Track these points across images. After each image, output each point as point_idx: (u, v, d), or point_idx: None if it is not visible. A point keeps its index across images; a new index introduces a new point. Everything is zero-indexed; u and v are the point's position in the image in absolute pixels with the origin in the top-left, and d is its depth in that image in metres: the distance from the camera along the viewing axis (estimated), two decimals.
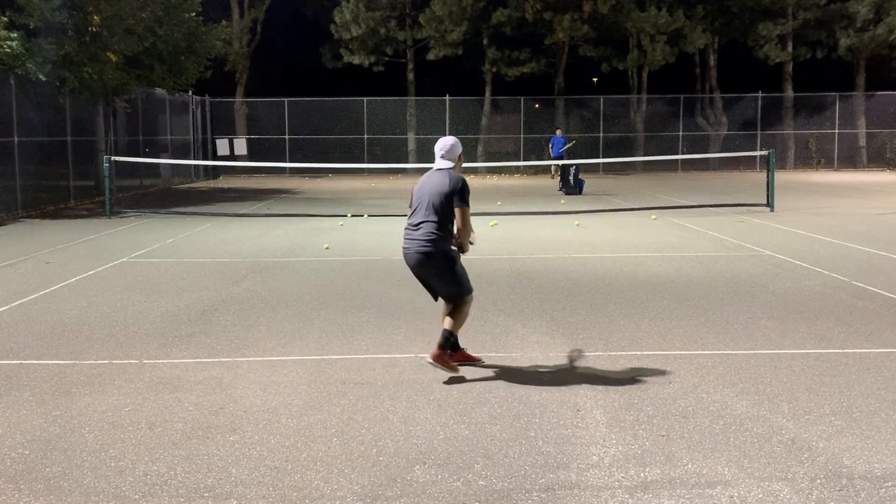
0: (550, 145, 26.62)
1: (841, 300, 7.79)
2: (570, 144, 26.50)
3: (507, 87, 35.32)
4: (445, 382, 5.32)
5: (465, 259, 9.81)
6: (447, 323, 5.41)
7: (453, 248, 5.43)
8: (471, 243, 5.56)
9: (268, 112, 34.00)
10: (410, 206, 5.50)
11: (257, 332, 6.65)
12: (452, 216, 5.33)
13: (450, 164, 5.45)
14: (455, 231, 5.40)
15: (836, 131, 34.26)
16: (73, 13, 16.62)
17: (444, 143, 5.49)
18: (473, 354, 5.75)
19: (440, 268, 5.35)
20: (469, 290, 5.49)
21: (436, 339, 5.45)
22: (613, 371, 5.55)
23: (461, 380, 5.39)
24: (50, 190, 18.67)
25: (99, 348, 6.25)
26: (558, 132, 27.28)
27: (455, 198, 5.31)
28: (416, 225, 5.34)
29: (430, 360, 5.28)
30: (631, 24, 32.51)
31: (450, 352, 5.44)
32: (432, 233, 5.28)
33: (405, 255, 5.41)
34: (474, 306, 7.65)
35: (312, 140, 32.72)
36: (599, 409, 4.79)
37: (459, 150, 5.52)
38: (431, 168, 5.53)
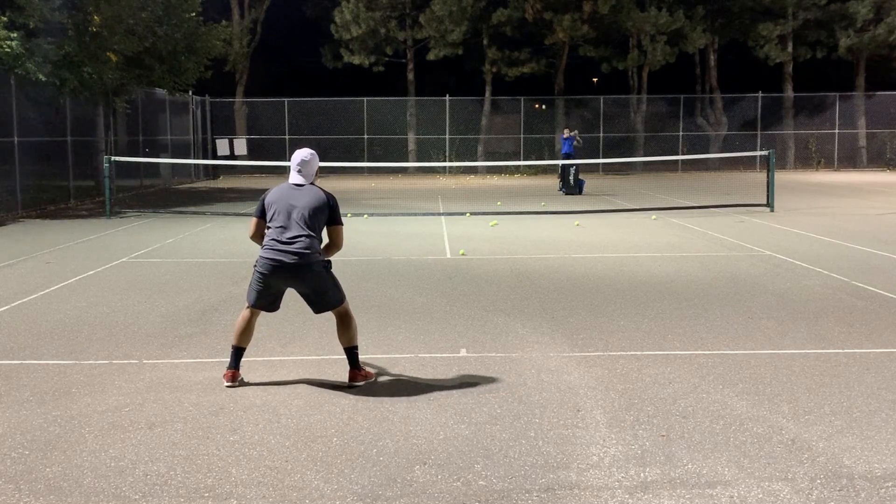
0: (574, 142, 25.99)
1: (841, 300, 7.79)
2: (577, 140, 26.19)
3: (507, 87, 35.33)
4: (449, 385, 5.32)
5: (466, 261, 9.80)
6: (344, 340, 5.33)
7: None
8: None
9: (268, 112, 34.01)
10: (266, 218, 5.29)
11: (257, 332, 6.61)
12: (322, 229, 5.28)
13: (306, 181, 5.30)
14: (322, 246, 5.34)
15: (836, 131, 34.27)
16: (73, 13, 16.62)
17: (303, 156, 5.34)
18: (240, 374, 5.36)
19: (322, 277, 5.22)
20: (345, 296, 5.43)
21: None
22: (613, 371, 5.55)
23: (461, 380, 5.39)
24: (50, 190, 18.69)
25: (99, 348, 6.25)
26: (566, 131, 27.04)
27: (334, 216, 5.28)
28: (292, 239, 5.13)
29: (353, 384, 5.25)
30: (631, 24, 32.52)
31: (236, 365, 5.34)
32: (311, 246, 5.13)
33: (274, 267, 5.13)
34: (475, 306, 7.68)
35: (312, 140, 32.68)
36: (599, 409, 4.79)
37: (317, 164, 5.39)
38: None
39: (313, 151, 5.41)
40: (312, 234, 5.16)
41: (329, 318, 7.20)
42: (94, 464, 4.06)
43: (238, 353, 5.32)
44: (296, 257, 5.10)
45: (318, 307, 5.35)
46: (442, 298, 8.02)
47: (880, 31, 31.89)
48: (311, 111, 33.42)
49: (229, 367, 5.30)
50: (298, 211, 5.16)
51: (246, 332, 5.32)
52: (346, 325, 5.33)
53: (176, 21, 19.98)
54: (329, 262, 5.29)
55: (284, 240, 5.14)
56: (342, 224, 5.37)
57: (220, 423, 4.62)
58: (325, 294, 5.27)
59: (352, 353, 5.31)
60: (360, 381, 5.31)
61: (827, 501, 3.62)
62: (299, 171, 5.30)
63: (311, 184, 5.31)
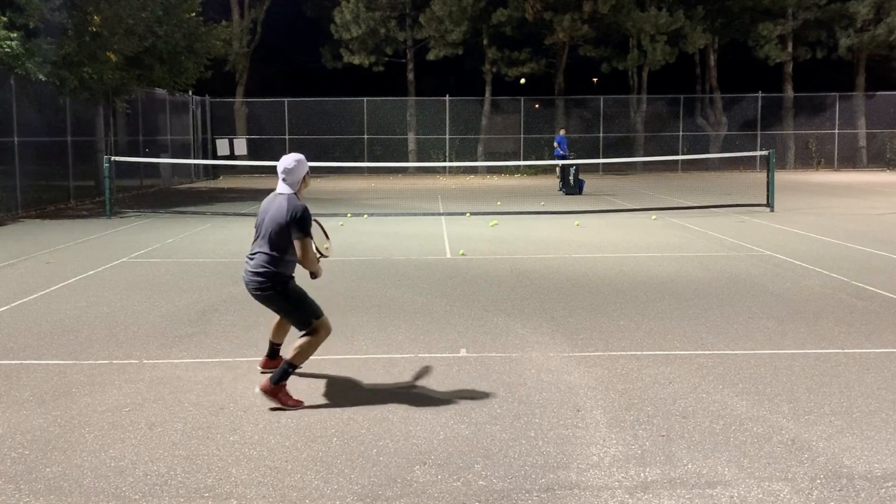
0: (556, 144, 26.36)
1: (841, 300, 7.79)
2: (571, 154, 26.38)
3: (507, 87, 35.33)
4: (449, 385, 5.32)
5: (466, 261, 9.71)
6: (290, 352, 4.94)
7: (291, 276, 5.07)
8: (324, 255, 5.26)
9: (268, 112, 34.01)
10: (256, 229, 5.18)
11: (257, 332, 6.65)
12: (290, 245, 4.95)
13: (289, 190, 5.03)
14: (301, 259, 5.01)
15: (836, 131, 34.27)
16: (73, 13, 16.62)
17: (286, 163, 5.05)
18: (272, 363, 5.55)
19: (274, 299, 5.01)
20: (317, 315, 5.02)
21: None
22: (613, 371, 5.55)
23: (461, 380, 5.38)
24: (50, 190, 18.68)
25: (99, 348, 6.25)
26: (562, 132, 27.20)
27: (293, 228, 4.89)
28: (253, 254, 5.05)
29: (263, 393, 4.88)
30: (631, 24, 32.51)
31: (274, 369, 5.27)
32: (264, 265, 4.95)
33: (244, 281, 5.12)
34: (475, 306, 7.68)
35: (312, 140, 32.72)
36: (599, 409, 4.79)
37: (303, 171, 5.08)
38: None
39: (300, 157, 5.12)
40: (268, 251, 4.95)
41: (330, 315, 7.18)
42: (94, 464, 4.07)
43: (270, 346, 5.55)
44: (249, 275, 5.03)
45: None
46: (442, 298, 8.02)
47: (880, 31, 31.88)
48: (311, 111, 33.42)
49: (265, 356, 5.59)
50: (265, 224, 5.01)
51: (274, 329, 5.51)
52: (305, 343, 4.96)
53: (176, 21, 19.98)
54: (283, 283, 4.99)
55: (248, 254, 5.11)
56: (306, 236, 4.92)
57: (220, 423, 4.62)
58: (286, 318, 5.17)
59: (285, 367, 4.91)
60: (272, 400, 4.86)
61: (827, 501, 3.62)
62: (283, 180, 5.06)
63: (295, 193, 5.03)
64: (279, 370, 4.91)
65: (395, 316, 7.26)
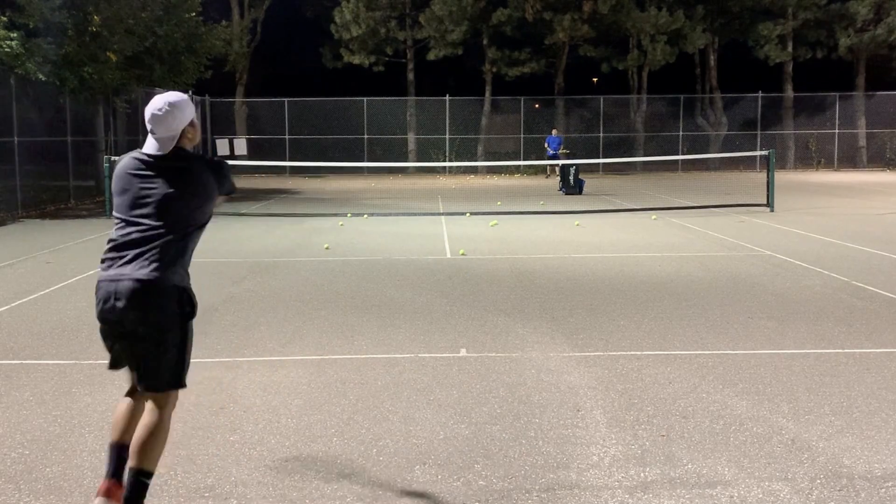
0: (546, 144, 26.65)
1: (841, 300, 7.79)
2: (565, 151, 26.53)
3: (507, 87, 35.35)
4: (449, 385, 5.32)
5: (466, 261, 9.72)
6: (137, 455, 3.18)
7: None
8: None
9: (268, 112, 34.03)
10: (114, 214, 3.31)
11: (257, 332, 6.65)
12: (197, 234, 3.39)
13: (157, 149, 3.26)
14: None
15: (836, 131, 34.28)
16: (73, 13, 16.62)
17: (155, 108, 3.23)
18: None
19: (164, 328, 3.25)
20: (184, 383, 3.36)
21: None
22: (613, 371, 5.55)
23: (461, 380, 5.38)
24: (50, 190, 18.69)
25: (99, 348, 6.20)
26: (554, 132, 27.32)
27: (219, 190, 3.37)
28: (123, 249, 3.21)
29: None
30: (631, 24, 32.54)
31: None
32: (156, 268, 3.19)
33: (102, 296, 3.22)
34: (475, 306, 7.68)
35: (312, 140, 32.71)
36: (599, 409, 4.79)
37: (183, 119, 3.27)
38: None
39: (179, 99, 3.30)
40: (167, 243, 3.28)
41: (329, 318, 7.21)
42: (94, 464, 4.06)
43: (114, 454, 3.33)
44: (127, 283, 3.21)
45: (123, 362, 3.38)
46: (442, 298, 8.02)
47: (880, 31, 31.92)
48: (311, 111, 33.42)
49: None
50: (148, 205, 3.25)
51: (126, 418, 3.40)
52: (153, 427, 3.24)
53: (176, 21, 19.98)
54: (191, 303, 3.47)
55: (114, 249, 3.29)
56: (230, 182, 3.45)
57: (220, 423, 4.62)
58: (158, 361, 3.27)
59: (139, 480, 3.20)
60: None
61: (827, 501, 3.62)
62: (152, 133, 3.28)
63: (193, 160, 3.34)
64: (131, 488, 3.18)
65: (395, 316, 7.26)
